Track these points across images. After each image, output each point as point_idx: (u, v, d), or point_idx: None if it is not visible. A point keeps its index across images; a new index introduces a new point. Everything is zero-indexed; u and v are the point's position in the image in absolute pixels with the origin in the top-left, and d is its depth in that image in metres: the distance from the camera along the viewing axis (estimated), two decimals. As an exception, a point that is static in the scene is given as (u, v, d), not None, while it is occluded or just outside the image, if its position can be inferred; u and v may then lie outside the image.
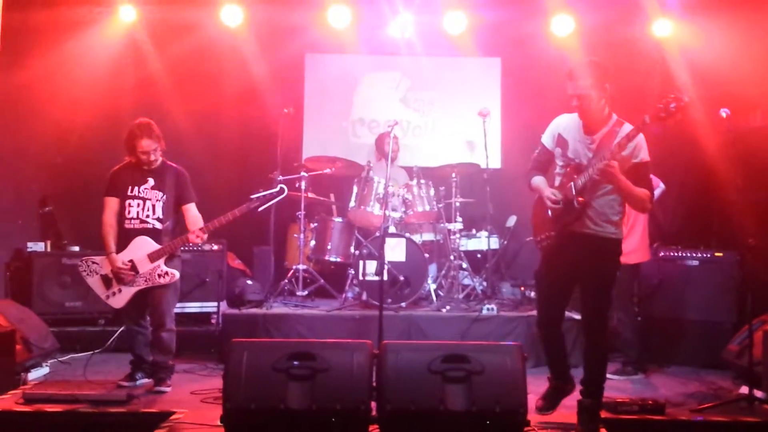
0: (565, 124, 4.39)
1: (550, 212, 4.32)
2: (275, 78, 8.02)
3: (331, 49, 8.38)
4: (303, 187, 7.21)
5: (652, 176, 6.13)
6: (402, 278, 6.59)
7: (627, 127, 4.17)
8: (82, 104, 7.23)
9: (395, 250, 6.64)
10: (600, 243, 4.25)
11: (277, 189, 5.49)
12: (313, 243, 7.25)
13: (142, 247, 5.29)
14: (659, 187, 6.21)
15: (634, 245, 5.85)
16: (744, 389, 5.05)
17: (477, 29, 7.86)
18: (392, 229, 6.91)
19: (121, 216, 5.35)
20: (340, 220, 7.34)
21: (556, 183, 4.39)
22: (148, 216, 5.34)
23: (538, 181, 4.46)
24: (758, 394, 4.97)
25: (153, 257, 5.27)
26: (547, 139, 4.47)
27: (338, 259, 7.19)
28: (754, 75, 6.19)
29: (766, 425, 4.58)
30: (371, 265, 6.48)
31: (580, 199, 4.18)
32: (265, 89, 7.91)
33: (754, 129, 6.71)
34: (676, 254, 6.55)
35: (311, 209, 7.53)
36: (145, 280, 5.28)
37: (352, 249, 7.16)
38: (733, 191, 5.73)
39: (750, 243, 5.28)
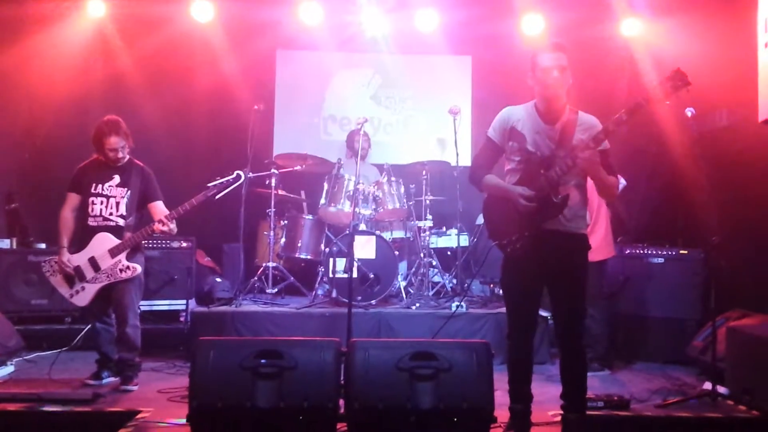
0: (518, 116, 4.12)
1: (519, 212, 4.00)
2: (246, 74, 7.97)
3: (302, 45, 8.36)
4: (273, 184, 7.18)
5: None
6: (372, 276, 6.58)
7: (587, 117, 4.07)
8: (50, 100, 7.14)
9: (365, 248, 6.63)
10: (573, 239, 4.07)
11: (234, 175, 5.47)
12: (283, 240, 7.22)
13: (102, 243, 5.25)
14: (621, 183, 6.29)
15: (598, 242, 5.89)
16: (707, 385, 5.13)
17: (448, 27, 7.91)
18: (362, 227, 6.91)
19: (84, 213, 5.32)
20: (310, 217, 7.33)
21: (513, 180, 4.11)
22: (111, 213, 5.30)
23: (495, 180, 4.17)
24: (721, 389, 5.05)
25: (114, 252, 5.23)
26: (495, 133, 4.17)
27: (308, 257, 7.18)
28: (720, 76, 6.26)
29: (728, 421, 4.64)
30: (341, 263, 6.47)
31: (562, 193, 3.96)
32: (236, 85, 7.85)
33: (720, 129, 6.80)
34: (641, 252, 6.64)
35: (282, 206, 7.50)
36: (107, 276, 5.24)
37: (322, 246, 7.16)
38: (698, 190, 5.81)
39: (714, 241, 5.36)
